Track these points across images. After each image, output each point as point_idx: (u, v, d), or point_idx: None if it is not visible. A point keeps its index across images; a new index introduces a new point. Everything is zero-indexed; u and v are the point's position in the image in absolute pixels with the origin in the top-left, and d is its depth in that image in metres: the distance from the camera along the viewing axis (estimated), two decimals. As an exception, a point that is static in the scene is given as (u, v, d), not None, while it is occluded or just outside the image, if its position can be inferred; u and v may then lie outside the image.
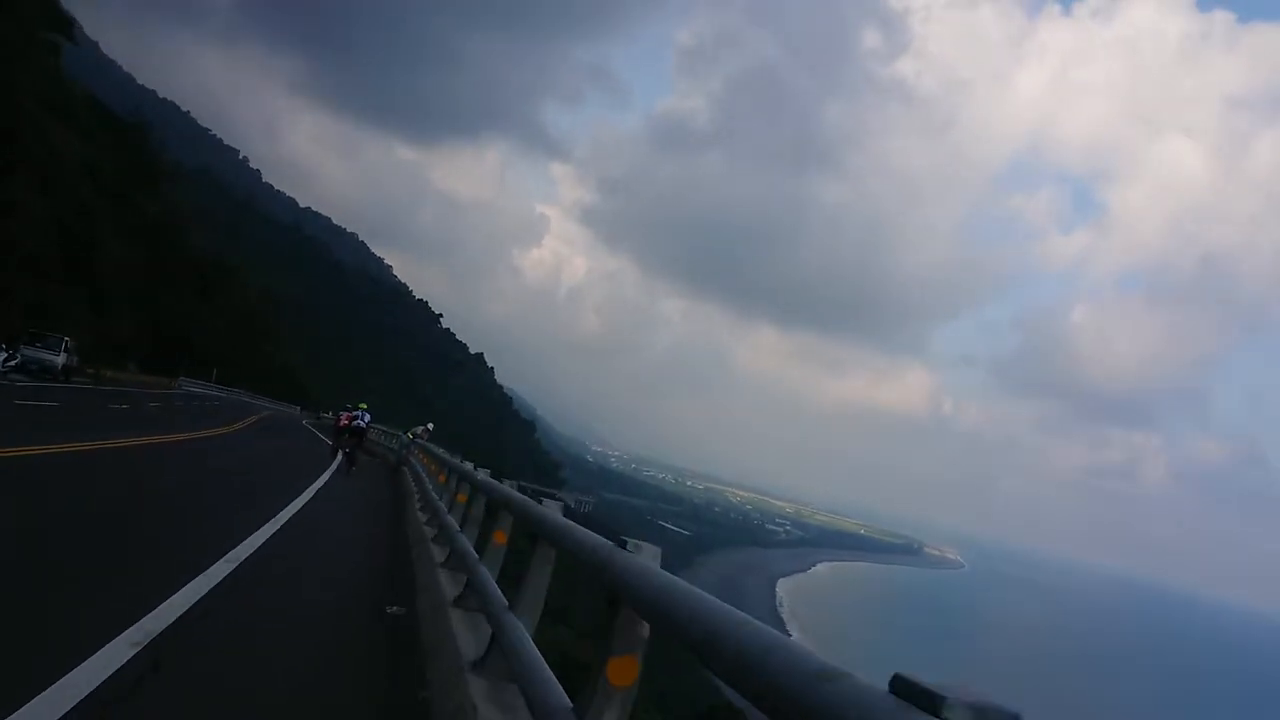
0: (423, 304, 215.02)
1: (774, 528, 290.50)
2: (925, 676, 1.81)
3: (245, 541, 9.58)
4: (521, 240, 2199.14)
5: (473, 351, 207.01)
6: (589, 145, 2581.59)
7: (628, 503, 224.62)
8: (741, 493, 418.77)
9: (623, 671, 3.41)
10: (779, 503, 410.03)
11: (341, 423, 28.63)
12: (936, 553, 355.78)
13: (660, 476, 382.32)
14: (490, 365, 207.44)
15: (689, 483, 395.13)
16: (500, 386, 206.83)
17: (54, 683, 4.34)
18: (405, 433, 33.85)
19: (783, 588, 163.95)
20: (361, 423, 27.86)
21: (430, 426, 31.21)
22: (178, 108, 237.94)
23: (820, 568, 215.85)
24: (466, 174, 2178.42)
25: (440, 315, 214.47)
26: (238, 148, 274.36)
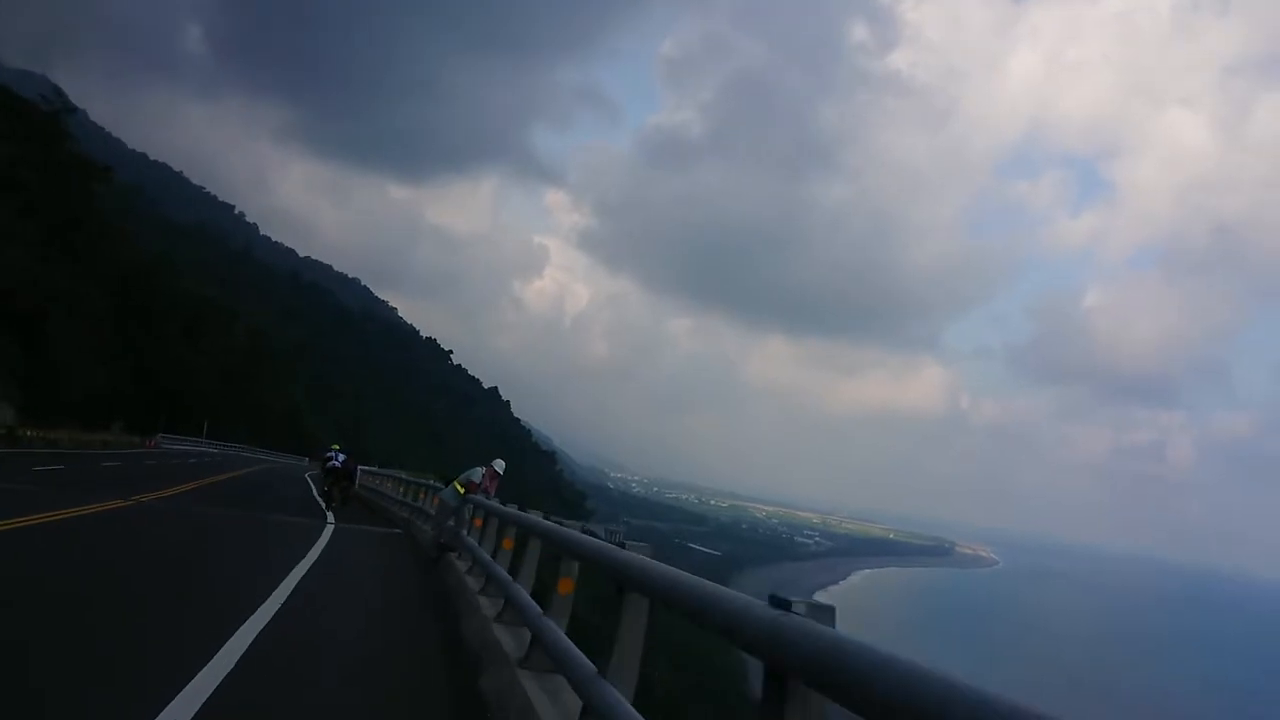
0: (431, 342, 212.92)
1: (803, 540, 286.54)
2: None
3: None
4: (522, 272, 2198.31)
5: (486, 387, 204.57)
6: (582, 168, 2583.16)
7: (654, 527, 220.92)
8: (766, 507, 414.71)
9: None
10: (804, 514, 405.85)
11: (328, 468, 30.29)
12: (969, 551, 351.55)
13: (683, 498, 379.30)
14: (506, 399, 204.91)
15: (712, 501, 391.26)
16: (518, 420, 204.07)
17: None
18: (453, 484, 16.89)
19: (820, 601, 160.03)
20: (336, 463, 29.68)
21: (500, 467, 17.05)
22: (170, 168, 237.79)
23: (855, 577, 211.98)
24: (461, 208, 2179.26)
25: (450, 352, 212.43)
26: (232, 203, 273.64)
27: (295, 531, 18.60)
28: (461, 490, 15.79)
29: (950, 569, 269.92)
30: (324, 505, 28.70)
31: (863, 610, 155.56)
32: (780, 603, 3.03)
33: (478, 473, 16.23)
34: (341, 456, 29.85)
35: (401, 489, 28.66)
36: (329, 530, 19.66)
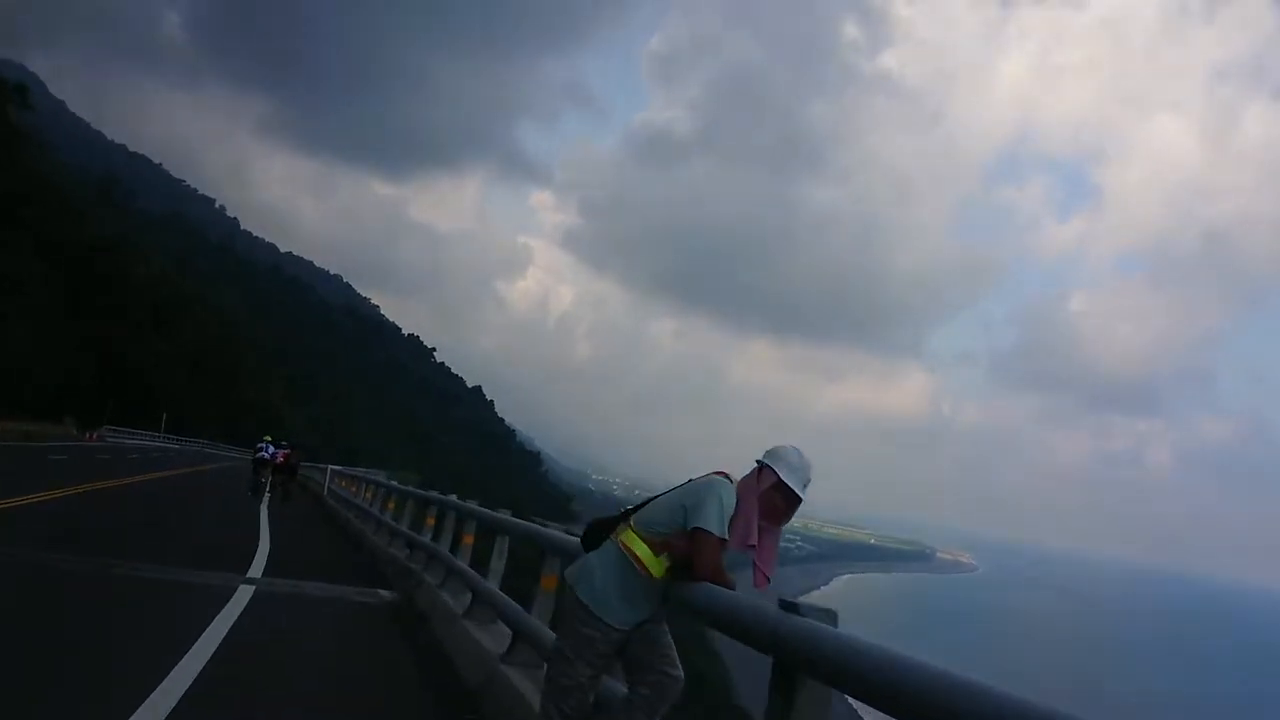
0: (414, 339, 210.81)
1: (784, 544, 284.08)
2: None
3: None
4: (505, 272, 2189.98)
5: (470, 385, 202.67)
6: (568, 167, 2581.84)
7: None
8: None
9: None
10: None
11: (277, 460, 29.14)
12: (949, 557, 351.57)
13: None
14: (490, 399, 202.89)
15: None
16: (502, 420, 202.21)
17: None
18: (628, 528, 4.22)
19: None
20: (265, 454, 28.54)
21: (796, 471, 4.13)
22: (149, 160, 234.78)
23: (837, 582, 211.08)
24: (446, 206, 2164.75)
25: (433, 350, 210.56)
26: (213, 196, 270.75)
27: (150, 622, 8.38)
28: (663, 570, 4.19)
29: (930, 574, 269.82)
30: (253, 495, 26.88)
31: (847, 616, 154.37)
32: (788, 606, 3.30)
33: (723, 496, 4.14)
34: (272, 448, 29.05)
35: (390, 505, 17.38)
36: (236, 604, 9.29)
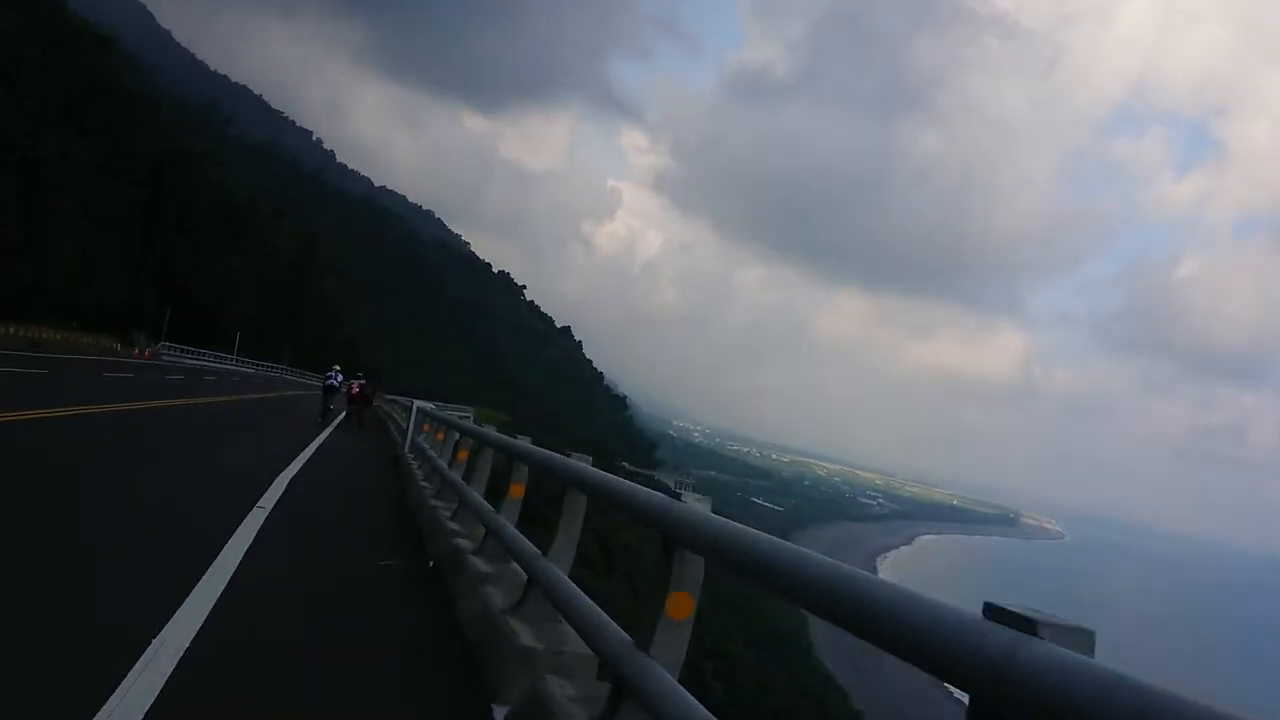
0: (504, 276, 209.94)
1: (866, 500, 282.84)
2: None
3: None
4: (594, 214, 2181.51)
5: (559, 325, 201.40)
6: (660, 106, 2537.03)
7: (717, 479, 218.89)
8: (828, 465, 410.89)
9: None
10: (866, 474, 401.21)
11: (353, 391, 28.82)
12: (1034, 522, 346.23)
13: (745, 450, 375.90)
14: (578, 339, 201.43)
15: (774, 456, 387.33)
16: (590, 361, 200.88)
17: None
18: None
19: (885, 565, 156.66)
20: (334, 382, 28.23)
21: None
22: (250, 91, 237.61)
23: (919, 541, 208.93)
24: (536, 141, 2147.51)
25: (524, 287, 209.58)
26: (310, 129, 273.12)
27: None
28: None
29: (1015, 539, 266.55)
30: (321, 420, 25.79)
31: (933, 576, 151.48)
32: (1013, 619, 1.88)
33: None
34: (340, 376, 29.09)
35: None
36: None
